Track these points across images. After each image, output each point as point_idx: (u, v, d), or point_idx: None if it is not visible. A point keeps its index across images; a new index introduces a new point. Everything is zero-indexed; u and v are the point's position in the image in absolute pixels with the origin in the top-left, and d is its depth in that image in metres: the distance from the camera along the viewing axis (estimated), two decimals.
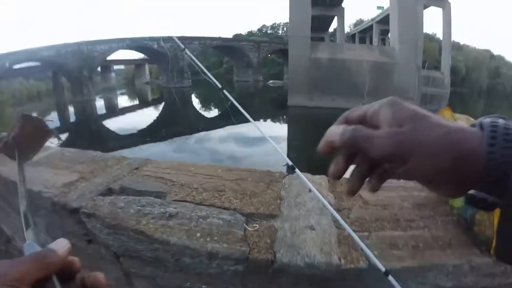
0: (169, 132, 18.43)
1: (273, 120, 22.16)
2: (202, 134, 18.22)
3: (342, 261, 1.24)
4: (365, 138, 0.40)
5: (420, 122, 0.39)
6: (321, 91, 21.45)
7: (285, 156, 1.54)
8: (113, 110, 31.63)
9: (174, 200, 1.59)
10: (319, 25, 41.33)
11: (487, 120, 0.40)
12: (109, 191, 1.78)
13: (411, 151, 0.38)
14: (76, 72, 32.77)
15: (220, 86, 1.77)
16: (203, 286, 1.39)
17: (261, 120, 21.17)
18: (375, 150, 0.39)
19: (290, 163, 1.50)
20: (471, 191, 0.41)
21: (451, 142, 0.38)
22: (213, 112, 26.35)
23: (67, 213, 1.76)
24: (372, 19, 47.92)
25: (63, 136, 18.23)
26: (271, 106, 24.86)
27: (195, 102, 32.59)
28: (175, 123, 21.09)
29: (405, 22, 20.76)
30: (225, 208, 1.53)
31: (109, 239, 1.50)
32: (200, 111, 27.81)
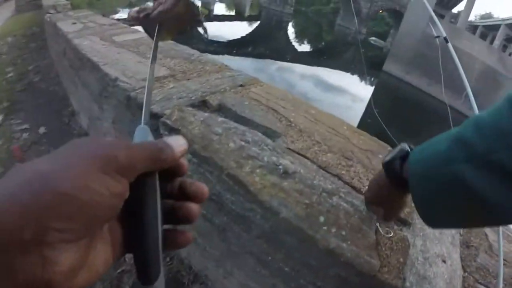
0: (256, 52, 17.98)
1: (361, 78, 20.91)
2: (287, 64, 17.49)
3: None
4: None
5: None
6: (420, 70, 19.57)
7: None
8: (208, 15, 31.44)
9: (289, 149, 1.13)
10: (445, 1, 37.32)
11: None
12: (203, 104, 1.36)
13: None
14: None
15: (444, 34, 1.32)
16: (286, 268, 0.98)
17: (349, 73, 20.10)
18: None
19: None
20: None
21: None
22: (305, 47, 25.30)
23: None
24: (503, 19, 41.98)
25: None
26: (365, 63, 23.52)
27: (291, 31, 31.29)
28: (264, 45, 20.44)
29: None
30: (355, 189, 1.05)
31: (191, 170, 1.09)
32: (292, 41, 26.58)
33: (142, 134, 0.40)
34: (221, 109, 1.32)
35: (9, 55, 5.70)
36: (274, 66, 16.71)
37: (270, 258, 1.00)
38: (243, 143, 1.09)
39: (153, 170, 0.34)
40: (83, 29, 3.01)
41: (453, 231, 1.12)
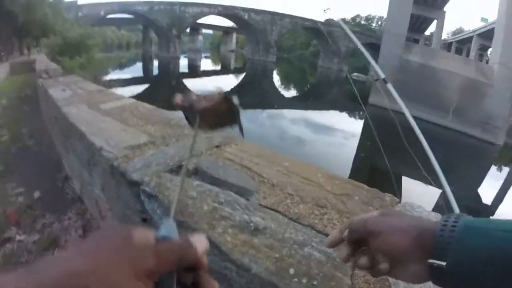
0: (245, 103, 18.32)
1: (349, 115, 21.24)
2: (276, 111, 17.82)
3: None
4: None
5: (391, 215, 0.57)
6: (406, 96, 19.80)
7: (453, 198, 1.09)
8: (195, 71, 32.25)
9: (261, 206, 1.18)
10: (416, 26, 38.70)
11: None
12: (180, 169, 1.43)
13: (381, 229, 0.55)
14: (165, 30, 33.84)
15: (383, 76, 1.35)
16: None
17: (337, 111, 20.44)
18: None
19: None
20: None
21: (411, 224, 0.54)
22: (291, 92, 25.87)
23: (126, 183, 1.44)
24: (473, 31, 43.66)
25: (144, 86, 18.85)
26: (349, 99, 23.96)
27: (276, 79, 32.11)
28: (252, 95, 20.93)
29: (511, 41, 18.60)
30: (326, 235, 1.09)
31: None
32: (278, 88, 27.21)
33: (168, 228, 0.43)
34: (197, 172, 1.38)
35: (2, 117, 5.84)
36: (263, 114, 16.99)
37: None
38: (216, 204, 1.14)
39: (175, 268, 0.38)
40: (72, 96, 3.15)
41: None
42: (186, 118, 0.65)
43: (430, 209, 1.35)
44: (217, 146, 1.63)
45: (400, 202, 1.40)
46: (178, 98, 0.60)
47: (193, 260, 0.40)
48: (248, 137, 1.70)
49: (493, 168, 15.21)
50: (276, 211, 1.15)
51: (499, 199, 12.12)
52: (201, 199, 1.17)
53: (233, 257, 0.95)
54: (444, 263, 0.48)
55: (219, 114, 0.61)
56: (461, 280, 0.47)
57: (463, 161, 14.16)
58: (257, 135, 12.06)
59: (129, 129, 2.01)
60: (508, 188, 12.71)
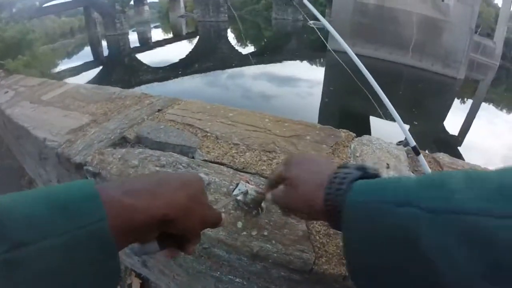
0: (202, 67, 18.00)
1: (310, 63, 21.12)
2: (236, 70, 17.57)
3: None
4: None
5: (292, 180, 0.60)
6: (364, 39, 19.56)
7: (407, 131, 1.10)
8: (147, 44, 31.14)
9: (205, 161, 1.14)
10: None
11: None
12: (123, 141, 1.36)
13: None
14: (108, 6, 32.07)
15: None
16: (237, 279, 0.98)
17: (297, 61, 20.32)
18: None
19: (413, 143, 1.14)
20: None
21: (304, 202, 0.57)
22: (248, 49, 25.44)
23: (73, 167, 1.37)
24: None
25: (96, 70, 18.21)
26: (309, 48, 23.66)
27: (231, 37, 31.38)
28: (208, 58, 20.49)
29: None
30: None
31: None
32: (235, 47, 26.67)
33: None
34: (140, 140, 1.32)
35: None
36: (224, 75, 16.75)
37: (218, 273, 1.00)
38: (157, 168, 1.09)
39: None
40: (14, 96, 2.95)
41: None
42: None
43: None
44: (159, 110, 1.55)
45: (356, 136, 1.37)
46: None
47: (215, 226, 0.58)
48: (212, 101, 1.63)
49: (457, 101, 15.74)
50: (221, 163, 1.11)
51: (464, 130, 12.54)
52: (142, 166, 1.11)
53: None
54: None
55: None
56: (360, 246, 0.46)
57: (427, 97, 14.49)
58: (220, 98, 11.88)
59: (71, 114, 1.90)
60: (472, 120, 13.21)
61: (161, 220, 0.44)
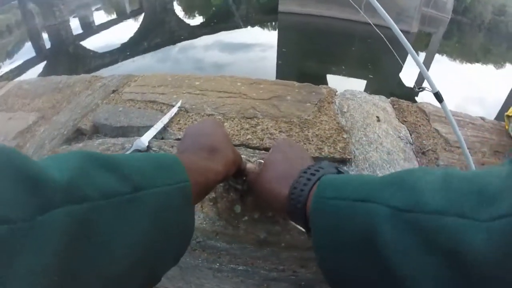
0: (151, 44, 17.40)
1: (262, 27, 20.69)
2: (186, 43, 16.87)
3: None
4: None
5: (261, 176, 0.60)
6: None
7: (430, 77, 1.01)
8: (90, 28, 29.60)
9: (177, 140, 0.97)
10: None
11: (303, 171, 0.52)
12: (78, 133, 1.17)
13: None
14: None
15: None
16: (240, 267, 0.85)
17: (249, 27, 19.88)
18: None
19: (435, 89, 1.00)
20: (292, 223, 0.55)
21: (270, 191, 0.56)
22: (197, 19, 24.69)
23: None
24: None
25: (41, 65, 17.27)
26: (260, 12, 23.18)
27: (178, 10, 30.30)
28: (157, 34, 19.74)
29: None
30: (268, 150, 0.91)
31: None
32: (183, 19, 25.75)
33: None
34: (97, 130, 1.14)
35: None
36: (174, 49, 16.12)
37: (218, 264, 0.87)
38: None
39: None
40: None
41: (401, 142, 1.04)
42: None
43: None
44: (113, 91, 1.35)
45: (337, 92, 1.26)
46: None
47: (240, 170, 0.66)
48: None
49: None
50: None
51: (420, 81, 12.77)
52: None
53: None
54: (301, 228, 0.52)
55: None
56: (324, 246, 0.45)
57: (381, 52, 14.58)
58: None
59: (16, 115, 1.67)
60: (427, 71, 13.53)
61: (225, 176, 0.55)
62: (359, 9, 1.30)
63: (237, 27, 19.43)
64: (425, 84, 1.05)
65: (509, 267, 0.26)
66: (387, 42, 1.19)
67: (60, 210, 0.28)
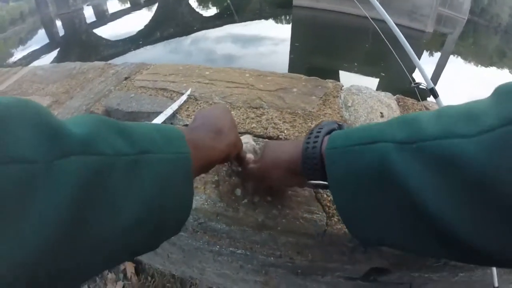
0: (164, 34, 17.35)
1: (276, 21, 20.60)
2: (199, 34, 16.73)
3: None
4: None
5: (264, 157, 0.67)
6: None
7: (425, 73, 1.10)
8: (104, 17, 29.64)
9: (186, 126, 1.01)
10: None
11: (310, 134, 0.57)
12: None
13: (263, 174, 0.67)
14: None
15: None
16: (238, 251, 0.91)
17: (262, 20, 19.80)
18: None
19: (431, 85, 1.09)
20: (312, 181, 0.55)
21: (281, 158, 0.62)
22: (211, 11, 24.65)
23: None
24: None
25: (54, 53, 17.38)
26: (274, 5, 23.10)
27: (192, 0, 30.31)
28: (170, 24, 19.70)
29: None
30: (272, 138, 0.95)
31: None
32: (197, 10, 25.77)
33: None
34: (109, 114, 1.18)
35: None
36: (187, 41, 16.03)
37: (218, 247, 0.91)
38: None
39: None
40: None
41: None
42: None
43: None
44: (126, 78, 1.39)
45: (343, 86, 1.28)
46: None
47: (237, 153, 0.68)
48: None
49: (425, 54, 15.72)
50: None
51: (434, 81, 12.63)
52: None
53: None
54: (322, 182, 0.53)
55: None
56: (344, 192, 0.47)
57: (395, 49, 14.37)
58: None
59: (30, 99, 1.73)
60: (441, 71, 13.32)
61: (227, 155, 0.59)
62: (359, 6, 1.31)
63: (251, 19, 19.33)
64: (427, 84, 1.07)
65: (501, 173, 0.29)
66: (387, 43, 1.21)
67: (77, 158, 0.29)
